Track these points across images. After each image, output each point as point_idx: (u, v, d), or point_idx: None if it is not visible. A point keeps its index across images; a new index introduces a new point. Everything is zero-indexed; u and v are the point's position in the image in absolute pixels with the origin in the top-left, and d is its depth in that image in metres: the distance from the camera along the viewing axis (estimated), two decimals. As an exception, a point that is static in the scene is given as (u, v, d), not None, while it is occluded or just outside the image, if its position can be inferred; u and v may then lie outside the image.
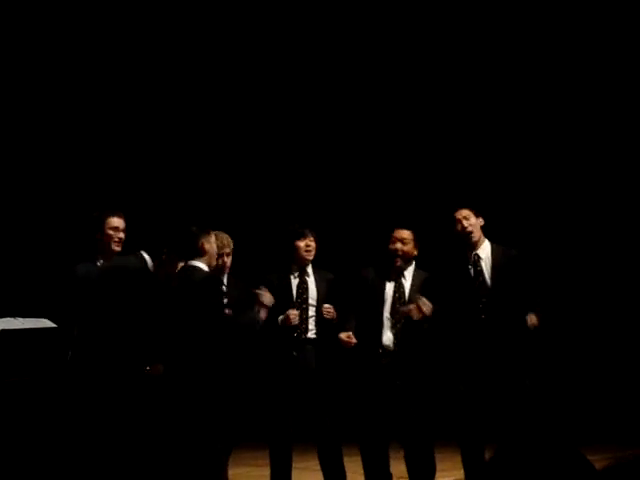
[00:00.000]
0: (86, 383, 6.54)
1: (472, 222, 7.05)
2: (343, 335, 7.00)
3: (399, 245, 7.10)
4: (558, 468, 2.32)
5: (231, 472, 7.01)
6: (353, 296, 7.15)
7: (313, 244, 7.16)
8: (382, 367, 6.98)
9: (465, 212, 7.08)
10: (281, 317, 7.00)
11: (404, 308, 6.96)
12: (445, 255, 7.27)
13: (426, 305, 6.90)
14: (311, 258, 7.17)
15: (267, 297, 6.83)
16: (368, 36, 11.46)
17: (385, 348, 7.01)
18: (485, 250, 7.08)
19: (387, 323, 7.02)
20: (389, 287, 7.10)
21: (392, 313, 7.03)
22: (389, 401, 6.95)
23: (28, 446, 6.50)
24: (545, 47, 11.15)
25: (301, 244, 7.12)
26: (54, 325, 6.87)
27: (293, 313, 6.99)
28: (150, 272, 6.53)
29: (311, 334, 7.08)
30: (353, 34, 11.46)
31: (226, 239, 6.95)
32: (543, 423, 7.85)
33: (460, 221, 7.06)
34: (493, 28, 11.24)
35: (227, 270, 7.02)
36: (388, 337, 7.01)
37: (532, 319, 6.90)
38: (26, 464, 6.44)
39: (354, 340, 6.97)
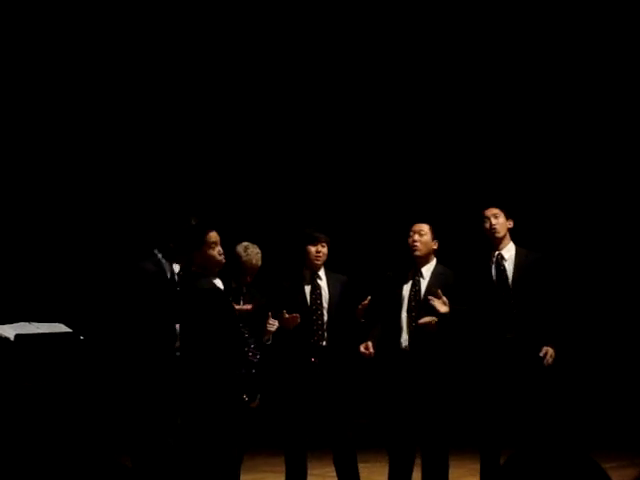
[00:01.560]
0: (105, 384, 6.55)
1: (500, 221, 7.01)
2: (362, 347, 6.94)
3: (417, 237, 7.04)
4: (570, 474, 2.30)
5: (247, 478, 6.99)
6: (375, 298, 7.10)
7: (324, 250, 7.07)
8: (401, 370, 6.94)
9: (495, 210, 7.04)
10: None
11: (421, 321, 6.91)
12: (468, 253, 7.22)
13: (441, 305, 6.87)
14: (320, 263, 7.08)
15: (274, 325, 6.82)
16: (378, 33, 11.42)
17: (403, 350, 6.97)
18: (510, 251, 7.04)
19: (405, 324, 6.99)
20: (406, 286, 7.05)
21: (409, 313, 7.00)
22: (413, 406, 6.90)
23: (41, 449, 6.49)
24: (561, 45, 11.13)
25: (312, 249, 7.06)
26: (69, 330, 6.86)
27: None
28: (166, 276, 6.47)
29: (328, 341, 7.02)
30: (363, 32, 11.43)
31: (255, 256, 6.88)
32: (558, 430, 7.81)
33: (489, 218, 7.02)
34: (506, 24, 11.21)
35: (245, 288, 6.97)
36: (405, 339, 6.96)
37: (549, 353, 6.85)
38: (39, 468, 6.43)
39: (372, 351, 6.92)
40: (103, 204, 10.88)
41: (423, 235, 7.04)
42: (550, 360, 6.82)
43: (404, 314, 6.97)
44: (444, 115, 11.61)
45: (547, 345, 6.82)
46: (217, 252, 6.52)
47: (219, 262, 6.54)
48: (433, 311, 6.92)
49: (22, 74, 10.75)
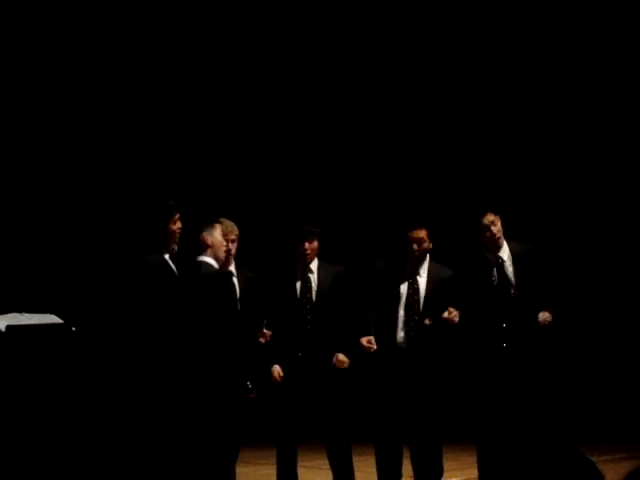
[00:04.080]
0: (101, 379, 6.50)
1: (499, 227, 6.95)
2: (364, 340, 6.90)
3: (415, 247, 6.99)
4: (563, 470, 2.26)
5: (238, 471, 6.97)
6: (368, 291, 7.04)
7: (314, 245, 7.00)
8: (396, 366, 6.89)
9: (492, 217, 6.96)
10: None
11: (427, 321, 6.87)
12: (464, 254, 7.17)
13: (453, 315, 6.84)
14: (311, 258, 7.02)
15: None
16: (373, 33, 11.39)
17: (398, 346, 6.92)
18: (506, 251, 6.98)
19: (401, 321, 6.93)
20: (404, 284, 7.01)
21: (406, 310, 6.94)
22: (402, 400, 6.87)
23: (33, 443, 6.44)
24: (554, 45, 11.09)
25: (301, 247, 7.00)
26: (60, 321, 6.80)
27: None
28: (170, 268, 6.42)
29: (318, 335, 6.97)
30: (357, 31, 11.39)
31: (230, 225, 6.82)
32: (553, 423, 7.78)
33: (488, 227, 6.94)
34: (496, 27, 11.18)
35: (233, 257, 6.90)
36: (401, 336, 6.92)
37: (545, 316, 6.84)
38: (30, 461, 6.39)
39: (374, 346, 6.88)
40: (97, 196, 10.83)
41: (423, 243, 7.00)
42: (546, 320, 6.80)
43: (401, 312, 6.95)
44: (435, 107, 11.56)
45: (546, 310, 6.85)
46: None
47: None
48: (434, 310, 6.89)
49: (22, 74, 10.72)
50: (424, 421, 6.88)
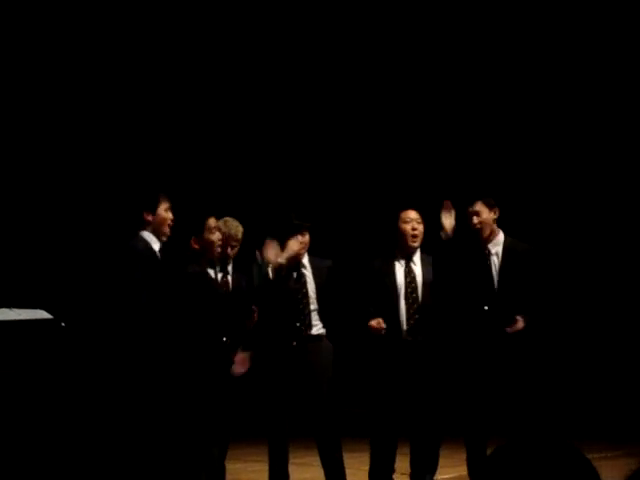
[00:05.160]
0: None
1: (483, 218, 6.85)
2: (374, 322, 6.79)
3: (416, 225, 6.93)
4: (556, 467, 2.21)
5: (230, 467, 6.97)
6: (366, 288, 6.97)
7: (306, 239, 6.93)
8: (402, 360, 6.81)
9: (477, 206, 6.86)
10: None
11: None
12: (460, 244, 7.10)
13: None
14: (303, 255, 6.95)
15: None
16: (365, 25, 11.37)
17: (404, 340, 6.84)
18: (496, 246, 6.90)
19: (404, 314, 6.85)
20: (399, 274, 6.93)
21: (406, 300, 6.87)
22: (405, 394, 6.81)
23: (23, 438, 6.42)
24: (551, 42, 11.09)
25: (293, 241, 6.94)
26: (50, 316, 6.77)
27: None
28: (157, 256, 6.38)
29: (316, 330, 6.91)
30: (349, 23, 11.38)
31: (234, 228, 6.73)
32: (544, 420, 7.75)
33: (470, 216, 6.87)
34: (494, 24, 11.17)
35: (230, 260, 6.83)
36: (405, 328, 6.84)
37: (518, 323, 6.73)
38: (20, 455, 6.37)
39: (384, 326, 6.79)
40: (87, 193, 10.82)
41: (420, 223, 6.94)
42: (516, 328, 6.67)
43: (402, 303, 6.86)
44: (429, 102, 11.55)
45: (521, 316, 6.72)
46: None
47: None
48: (433, 297, 6.82)
49: (22, 74, 10.72)
50: (429, 416, 6.82)
